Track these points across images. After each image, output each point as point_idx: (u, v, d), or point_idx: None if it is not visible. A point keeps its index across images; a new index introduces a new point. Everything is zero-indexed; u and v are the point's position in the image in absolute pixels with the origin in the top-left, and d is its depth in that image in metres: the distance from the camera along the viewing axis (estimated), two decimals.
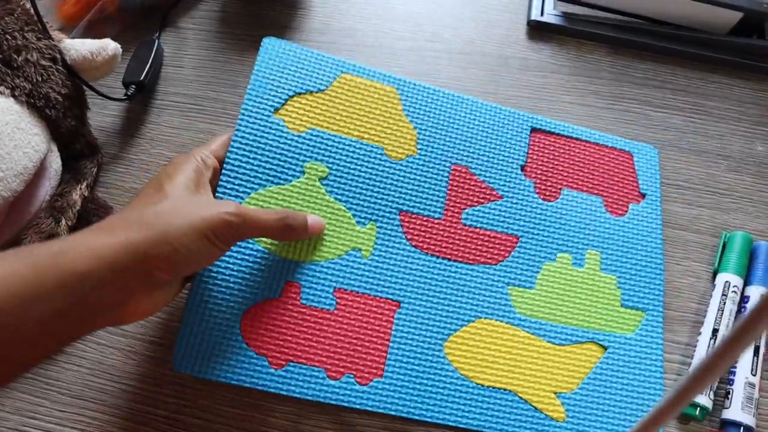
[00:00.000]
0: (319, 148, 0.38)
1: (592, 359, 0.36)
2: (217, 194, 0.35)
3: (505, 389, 0.35)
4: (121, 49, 0.40)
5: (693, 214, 0.42)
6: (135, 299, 0.28)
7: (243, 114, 0.37)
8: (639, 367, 0.36)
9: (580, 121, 0.45)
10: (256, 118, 0.37)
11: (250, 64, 0.46)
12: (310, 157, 0.37)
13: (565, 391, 0.36)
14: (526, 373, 0.36)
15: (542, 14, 0.49)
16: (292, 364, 0.34)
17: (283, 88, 0.38)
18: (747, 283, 0.39)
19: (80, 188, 0.39)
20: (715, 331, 0.37)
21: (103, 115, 0.44)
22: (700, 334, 0.38)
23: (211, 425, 0.34)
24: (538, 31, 0.49)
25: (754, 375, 0.36)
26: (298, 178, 0.37)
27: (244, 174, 0.36)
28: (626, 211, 0.41)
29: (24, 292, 0.25)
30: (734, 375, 0.36)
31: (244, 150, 0.36)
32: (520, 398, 0.35)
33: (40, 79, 0.36)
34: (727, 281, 0.39)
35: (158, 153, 0.43)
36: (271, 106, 0.37)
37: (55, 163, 0.38)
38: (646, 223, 0.41)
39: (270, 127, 0.37)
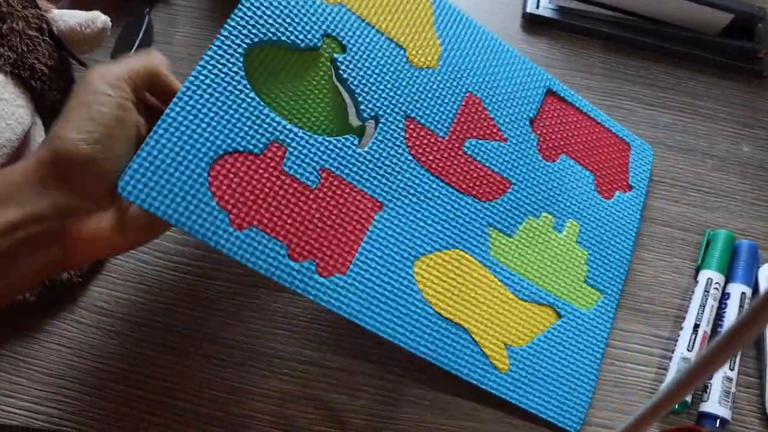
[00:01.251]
0: (344, 25, 0.36)
1: (546, 322, 0.37)
2: (226, 24, 0.32)
3: (460, 325, 0.35)
4: (110, 23, 0.39)
5: (678, 211, 0.43)
6: (74, 223, 0.27)
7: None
8: (584, 343, 0.38)
9: None
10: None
11: None
12: (332, 30, 0.35)
13: (514, 345, 0.36)
14: (484, 316, 0.36)
15: (538, 7, 0.49)
16: (254, 229, 0.31)
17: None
18: (728, 280, 0.40)
19: None
20: (696, 327, 0.38)
21: None
22: (681, 329, 0.38)
23: (194, 408, 0.34)
24: (532, 24, 0.49)
25: (732, 370, 0.37)
26: (314, 47, 0.35)
27: (254, 19, 0.33)
28: (612, 196, 0.42)
29: None
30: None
31: (269, 1, 0.33)
32: (472, 338, 0.35)
33: (25, 48, 0.35)
34: (709, 278, 0.39)
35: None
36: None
37: (39, 136, 0.37)
38: (627, 214, 0.42)
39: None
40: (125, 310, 0.36)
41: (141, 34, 0.43)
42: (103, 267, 0.37)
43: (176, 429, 0.34)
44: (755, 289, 0.40)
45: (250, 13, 0.33)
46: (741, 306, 0.39)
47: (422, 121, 0.37)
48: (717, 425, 0.35)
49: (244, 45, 0.32)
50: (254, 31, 0.33)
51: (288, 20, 0.34)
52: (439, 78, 0.38)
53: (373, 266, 0.33)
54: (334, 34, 0.35)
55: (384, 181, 0.35)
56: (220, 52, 0.32)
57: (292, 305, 0.37)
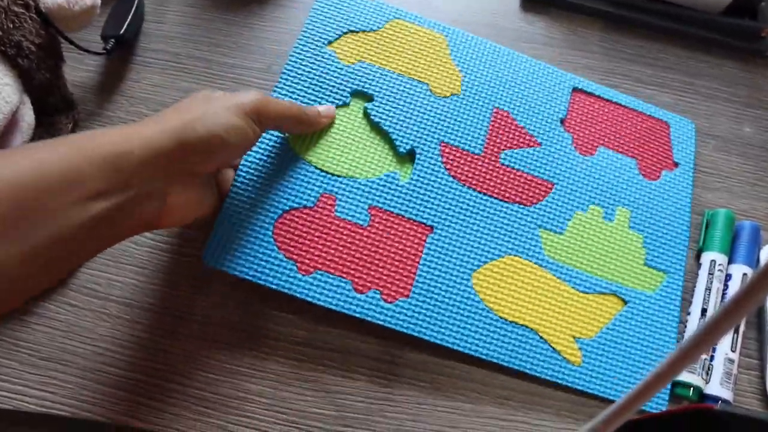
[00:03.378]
0: (367, 78, 0.40)
1: (612, 311, 0.37)
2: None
3: (526, 326, 0.36)
4: (99, 1, 0.38)
5: None
6: (173, 194, 0.29)
7: (298, 43, 0.40)
8: (655, 325, 0.37)
9: None
10: (310, 48, 0.40)
11: (235, 22, 0.45)
12: (358, 85, 0.39)
13: (584, 337, 0.36)
14: (548, 314, 0.36)
15: None
16: (319, 272, 0.35)
17: (338, 25, 0.41)
18: (730, 261, 0.39)
19: None
20: (704, 311, 0.37)
21: (79, 70, 0.42)
22: (689, 313, 0.38)
23: (188, 390, 0.34)
24: (531, 3, 0.48)
25: (734, 351, 0.36)
26: (345, 103, 0.39)
27: (293, 92, 0.38)
28: (659, 176, 0.42)
29: (67, 170, 0.25)
30: (715, 351, 0.36)
31: (296, 74, 0.39)
32: (540, 337, 0.36)
33: (11, 25, 0.34)
34: (712, 260, 0.39)
35: (136, 111, 0.41)
36: (325, 38, 0.40)
37: (28, 116, 0.36)
38: (677, 191, 0.41)
39: (322, 57, 0.40)
40: (117, 291, 0.36)
41: (132, 13, 0.42)
42: None
43: (171, 411, 0.33)
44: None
45: (286, 89, 0.38)
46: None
47: (456, 143, 0.39)
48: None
49: None
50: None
51: (317, 90, 0.39)
52: (464, 102, 0.40)
53: (433, 285, 0.36)
54: (360, 89, 0.39)
55: (429, 205, 0.37)
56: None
57: None
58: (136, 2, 0.43)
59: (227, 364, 0.34)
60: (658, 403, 0.35)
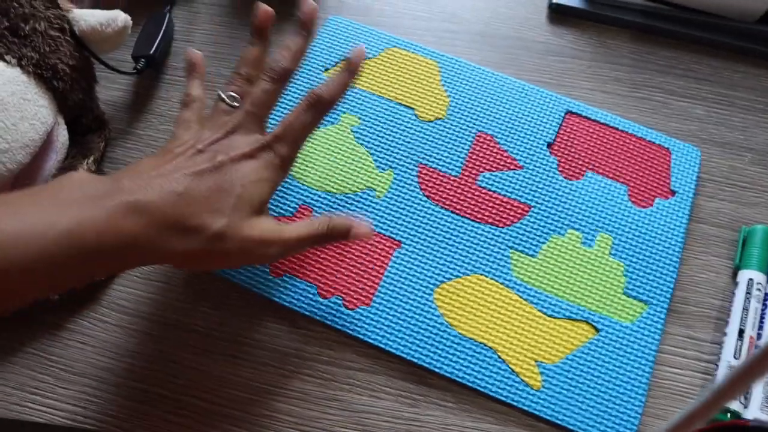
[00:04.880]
0: (356, 103, 0.42)
1: (582, 338, 0.36)
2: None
3: (486, 344, 0.35)
4: (131, 21, 0.39)
5: (713, 207, 0.41)
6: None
7: (300, 71, 0.42)
8: (628, 356, 0.36)
9: (600, 107, 0.44)
10: (306, 75, 0.43)
11: None
12: (348, 109, 0.42)
13: (546, 361, 0.35)
14: (510, 335, 0.36)
15: None
16: (288, 275, 0.37)
17: (335, 54, 0.44)
18: None
19: (87, 163, 0.38)
20: (741, 332, 0.36)
21: (111, 89, 0.43)
22: (725, 334, 0.36)
23: (214, 407, 0.34)
24: (559, 14, 0.48)
25: None
26: (333, 124, 0.41)
27: (285, 113, 0.39)
28: (651, 204, 0.40)
29: (37, 257, 0.25)
30: None
31: (293, 98, 0.42)
32: (499, 357, 0.35)
33: (48, 49, 0.35)
34: (750, 278, 0.37)
35: (166, 129, 0.42)
36: (322, 65, 0.43)
37: (62, 136, 0.37)
38: (670, 219, 0.40)
39: (317, 82, 0.42)
40: (146, 308, 0.36)
41: (162, 32, 0.43)
42: None
43: (197, 429, 0.33)
44: None
45: (279, 111, 0.41)
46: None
47: (434, 165, 0.40)
48: None
49: None
50: None
51: None
52: (447, 126, 0.42)
53: (394, 297, 0.36)
54: (350, 112, 0.42)
55: (400, 222, 0.39)
56: None
57: None
58: (165, 22, 0.44)
59: (254, 382, 0.35)
60: None
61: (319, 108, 0.33)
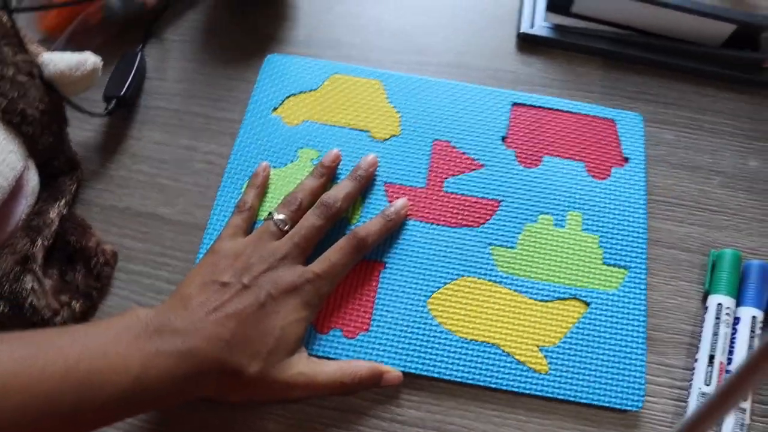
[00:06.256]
0: (311, 136, 0.43)
1: (575, 314, 0.38)
2: (222, 182, 0.41)
3: (488, 342, 0.37)
4: (101, 63, 0.39)
5: (683, 231, 0.42)
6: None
7: (246, 116, 0.43)
8: (621, 322, 0.38)
9: None
10: (257, 118, 0.43)
11: (235, 77, 0.46)
12: (304, 144, 0.42)
13: (548, 344, 0.37)
14: (508, 327, 0.37)
15: (533, 26, 0.48)
16: None
17: (281, 91, 0.44)
18: (738, 303, 0.38)
19: (58, 206, 0.38)
20: (711, 358, 0.36)
21: (83, 130, 0.43)
22: (696, 360, 0.37)
23: None
24: (528, 44, 0.48)
25: (745, 400, 0.35)
26: (293, 161, 0.41)
27: (245, 162, 0.41)
28: (609, 175, 0.42)
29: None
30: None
31: (247, 143, 0.42)
32: (503, 351, 0.36)
33: (16, 95, 0.35)
34: (719, 303, 0.38)
35: (138, 169, 0.42)
36: (270, 106, 0.44)
37: (33, 180, 0.37)
38: (629, 185, 0.42)
39: (269, 123, 0.43)
40: None
41: (133, 72, 0.43)
42: (96, 310, 0.37)
43: None
44: None
45: (239, 160, 0.42)
46: (752, 331, 0.37)
47: (399, 182, 0.41)
48: None
49: (240, 182, 0.41)
50: (246, 170, 0.41)
51: (267, 153, 0.42)
52: (404, 141, 0.43)
53: (390, 317, 0.37)
54: (307, 146, 0.42)
55: (379, 243, 0.39)
56: (226, 190, 0.40)
57: None
58: (137, 62, 0.44)
59: (225, 425, 0.34)
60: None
61: (362, 251, 0.36)
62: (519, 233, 0.40)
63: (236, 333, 0.31)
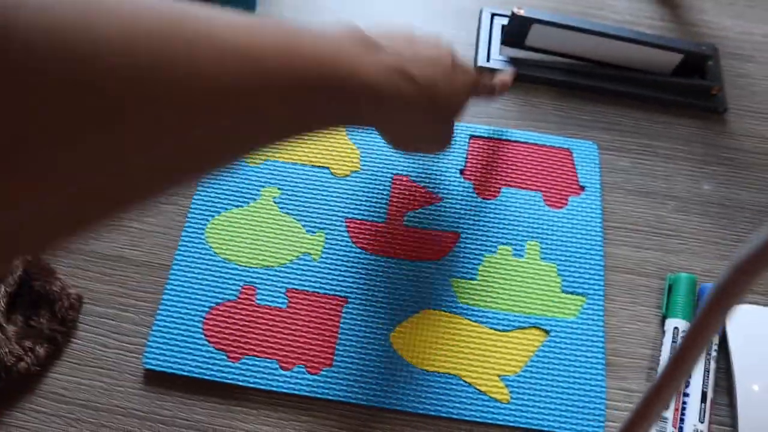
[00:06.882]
0: (273, 175, 0.43)
1: (535, 343, 0.38)
2: (186, 222, 0.41)
3: (449, 374, 0.37)
4: None
5: (640, 256, 0.43)
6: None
7: None
8: (581, 349, 0.38)
9: None
10: None
11: None
12: (266, 182, 0.43)
13: (509, 374, 0.37)
14: (470, 358, 0.38)
15: (488, 60, 0.50)
16: (247, 357, 0.37)
17: None
18: None
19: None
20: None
21: None
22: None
23: None
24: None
25: (702, 422, 0.36)
26: (255, 200, 0.42)
27: (209, 201, 0.42)
28: (566, 204, 0.44)
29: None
30: (683, 423, 0.36)
31: (210, 183, 0.43)
32: (465, 382, 0.37)
33: None
34: (676, 327, 0.39)
35: None
36: None
37: None
38: (585, 213, 0.43)
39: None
40: (84, 396, 0.36)
41: None
42: (61, 353, 0.37)
43: None
44: (723, 334, 0.39)
45: (203, 201, 0.42)
46: (708, 354, 0.38)
47: (360, 217, 0.42)
48: None
49: (204, 223, 0.41)
50: (210, 209, 0.42)
51: (230, 193, 0.43)
52: (364, 177, 0.44)
53: (353, 351, 0.38)
54: (269, 185, 0.43)
55: (341, 279, 0.40)
56: (190, 231, 0.41)
57: None
58: None
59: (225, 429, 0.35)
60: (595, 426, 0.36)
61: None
62: (479, 264, 0.41)
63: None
